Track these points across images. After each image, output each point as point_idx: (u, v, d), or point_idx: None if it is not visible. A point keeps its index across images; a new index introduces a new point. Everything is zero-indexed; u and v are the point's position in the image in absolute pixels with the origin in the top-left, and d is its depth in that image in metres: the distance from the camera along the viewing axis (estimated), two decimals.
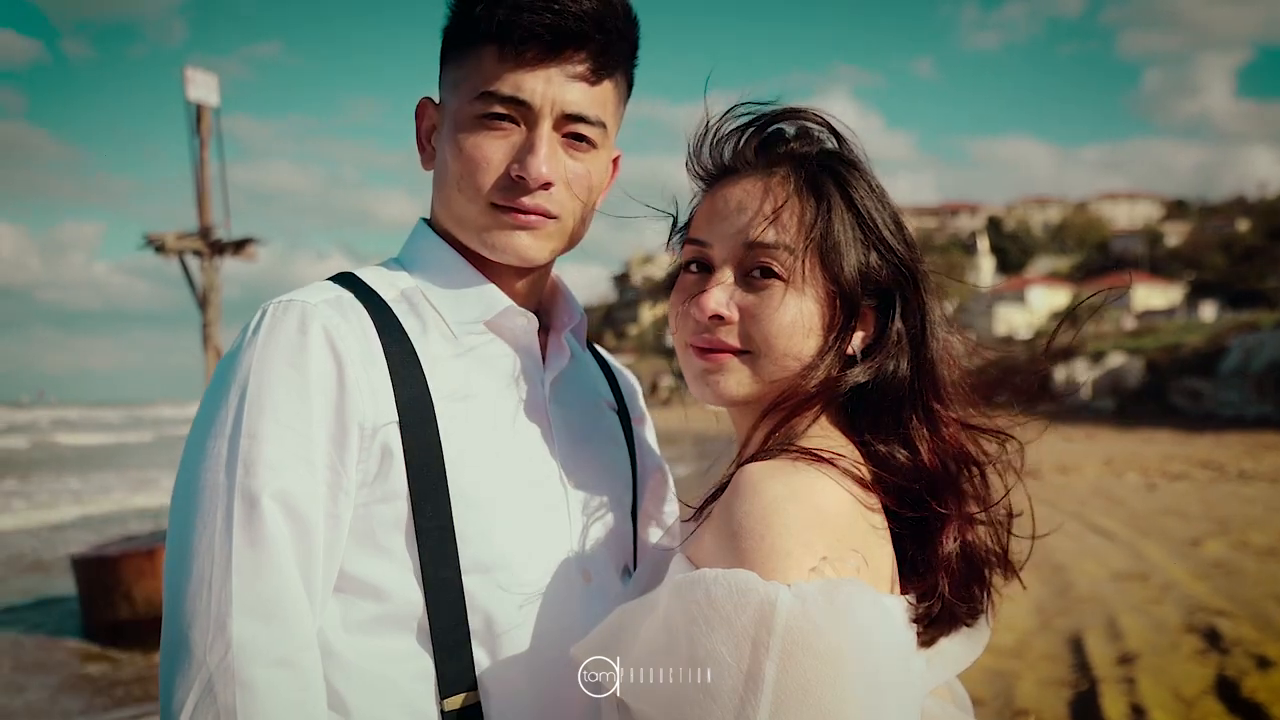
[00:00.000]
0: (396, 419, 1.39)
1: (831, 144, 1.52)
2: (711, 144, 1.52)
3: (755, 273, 1.43)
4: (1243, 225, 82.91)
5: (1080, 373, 52.94)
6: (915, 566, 1.44)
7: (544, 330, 1.65)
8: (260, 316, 1.40)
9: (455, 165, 1.48)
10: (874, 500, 1.38)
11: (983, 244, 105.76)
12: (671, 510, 1.83)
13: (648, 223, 1.56)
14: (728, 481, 1.36)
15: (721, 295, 1.43)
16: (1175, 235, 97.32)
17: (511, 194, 1.47)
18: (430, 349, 1.48)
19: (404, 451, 1.39)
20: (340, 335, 1.38)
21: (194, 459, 1.33)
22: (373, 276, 1.53)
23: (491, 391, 1.52)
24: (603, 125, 1.51)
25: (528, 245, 1.49)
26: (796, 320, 1.41)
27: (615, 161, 1.63)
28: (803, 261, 1.41)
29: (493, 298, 1.53)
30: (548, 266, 1.61)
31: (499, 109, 1.45)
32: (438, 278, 1.53)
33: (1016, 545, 1.56)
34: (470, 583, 1.42)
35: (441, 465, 1.41)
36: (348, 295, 1.46)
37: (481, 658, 1.43)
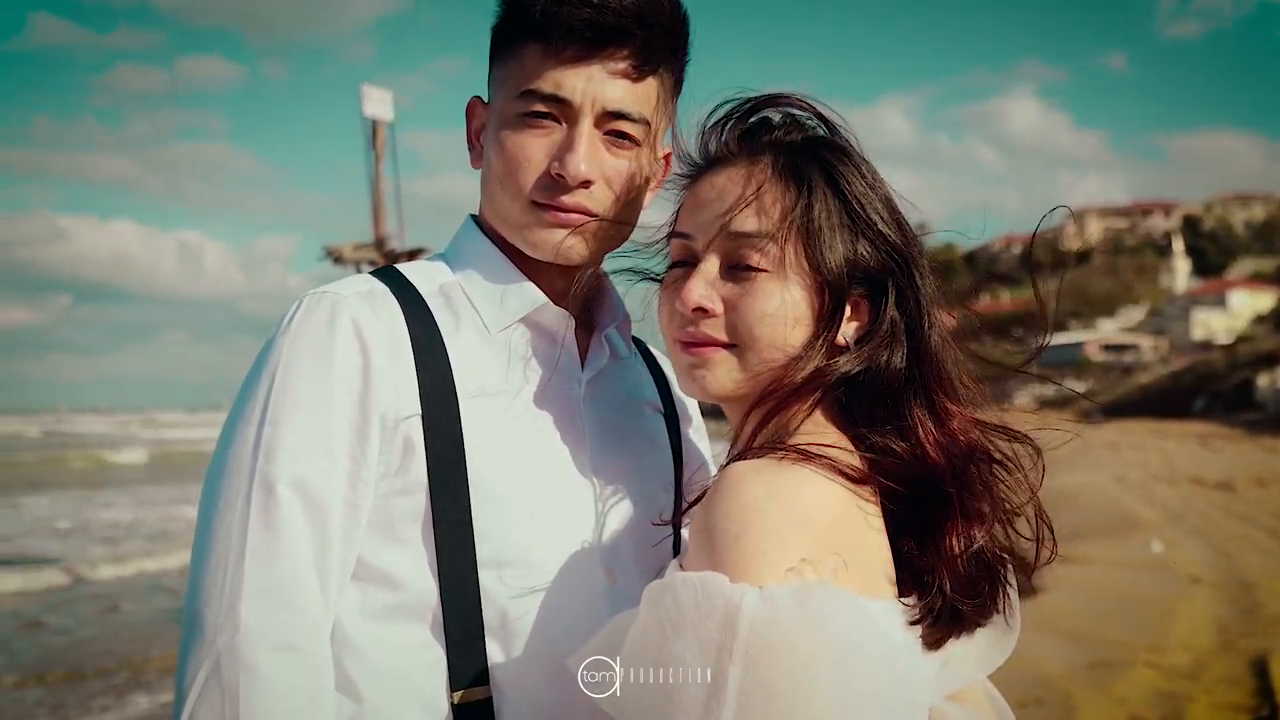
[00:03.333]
0: (419, 412, 1.41)
1: (821, 131, 1.46)
2: (696, 135, 1.48)
3: (738, 264, 1.39)
4: None
5: None
6: (912, 563, 1.37)
7: (588, 329, 1.64)
8: (295, 307, 1.44)
9: (498, 163, 1.49)
10: (869, 496, 1.32)
11: (1177, 245, 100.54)
12: None
13: None
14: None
15: (704, 288, 1.39)
16: None
17: (552, 192, 1.47)
18: (461, 344, 1.49)
19: (425, 445, 1.40)
20: (368, 328, 1.41)
21: (224, 443, 1.38)
22: (414, 271, 1.55)
23: (522, 388, 1.52)
24: (646, 123, 1.50)
25: (567, 243, 1.49)
26: (781, 311, 1.37)
27: (666, 159, 1.60)
28: (785, 250, 1.37)
29: (529, 295, 1.54)
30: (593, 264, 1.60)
31: (540, 107, 1.45)
32: (477, 273, 1.54)
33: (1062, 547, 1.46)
34: (486, 577, 1.42)
35: (462, 460, 1.42)
36: (381, 288, 1.48)
37: (495, 653, 1.42)
